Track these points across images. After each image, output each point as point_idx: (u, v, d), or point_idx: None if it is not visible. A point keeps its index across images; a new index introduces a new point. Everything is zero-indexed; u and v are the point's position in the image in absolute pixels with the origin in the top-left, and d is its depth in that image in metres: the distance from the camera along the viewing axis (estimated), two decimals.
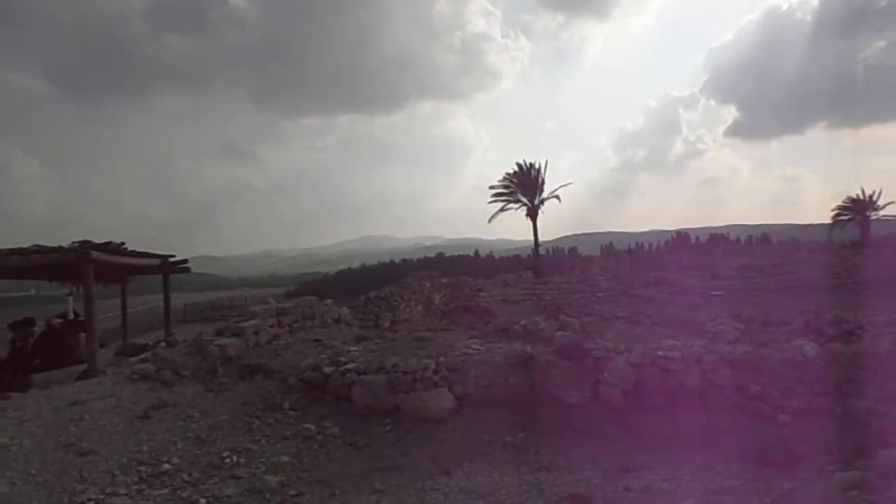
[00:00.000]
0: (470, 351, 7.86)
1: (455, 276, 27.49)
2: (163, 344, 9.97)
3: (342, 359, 7.87)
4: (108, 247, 8.45)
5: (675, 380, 6.64)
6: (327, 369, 7.59)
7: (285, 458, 6.08)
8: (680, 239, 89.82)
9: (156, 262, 11.42)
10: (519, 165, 42.78)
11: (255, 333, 8.96)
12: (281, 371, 8.07)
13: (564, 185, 43.49)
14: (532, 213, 42.09)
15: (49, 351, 10.01)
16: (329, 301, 12.45)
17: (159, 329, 17.86)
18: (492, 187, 43.28)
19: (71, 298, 15.49)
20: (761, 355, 6.85)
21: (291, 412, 7.21)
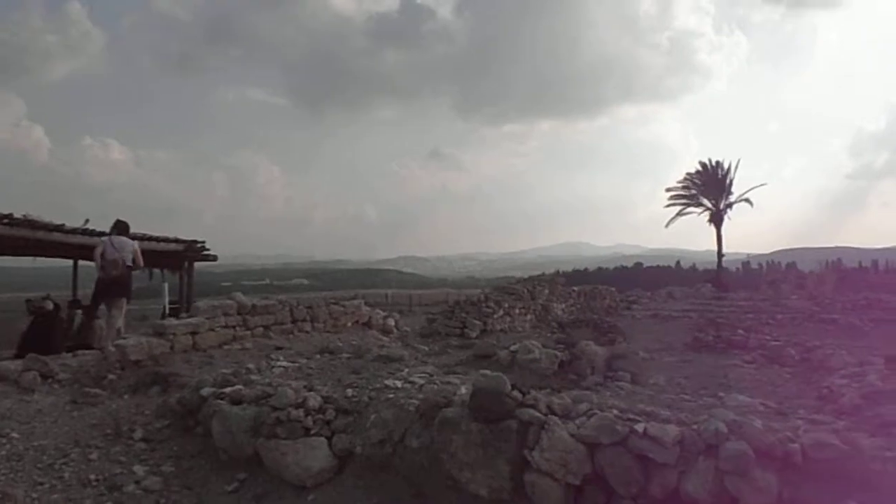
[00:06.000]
0: (396, 384, 5.35)
1: (604, 284, 24.11)
2: None
3: (234, 378, 5.83)
4: None
5: (663, 480, 3.59)
6: (205, 391, 5.60)
7: None
8: None
9: (179, 247, 10.34)
10: (703, 164, 37.38)
11: (193, 334, 7.26)
12: (186, 386, 6.26)
13: (757, 187, 37.24)
14: (716, 219, 36.45)
15: (38, 336, 9.33)
16: (357, 301, 10.46)
17: None
18: (668, 189, 38.34)
19: (166, 285, 15.32)
20: (859, 453, 3.52)
21: (141, 444, 5.33)
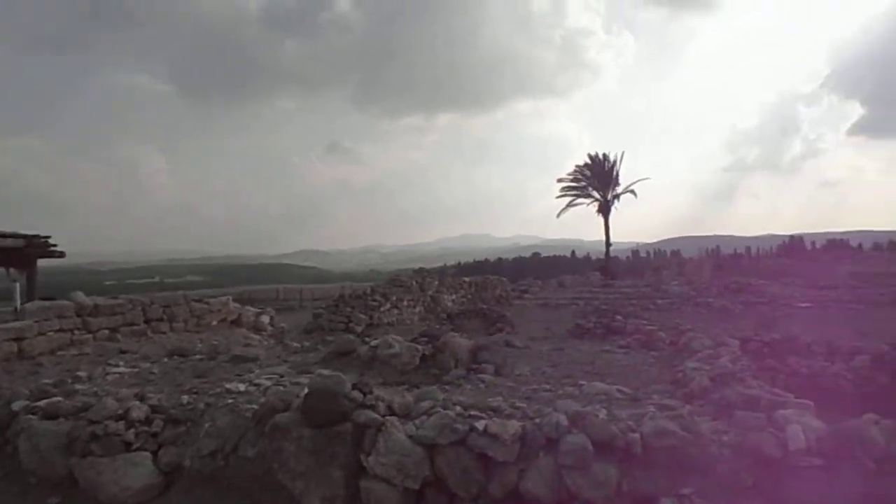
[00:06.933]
0: (239, 388, 4.91)
1: (488, 274, 24.30)
2: None
3: (55, 389, 5.17)
4: None
5: (503, 478, 3.39)
6: (17, 405, 4.90)
7: None
8: (792, 244, 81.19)
9: (18, 243, 9.23)
10: (591, 157, 38.64)
11: (18, 340, 6.44)
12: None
13: (641, 180, 38.97)
14: (604, 210, 37.82)
15: None
16: (224, 297, 9.80)
17: None
18: (560, 180, 39.37)
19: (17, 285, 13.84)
20: (698, 438, 3.46)
21: None
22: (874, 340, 8.73)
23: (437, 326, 15.20)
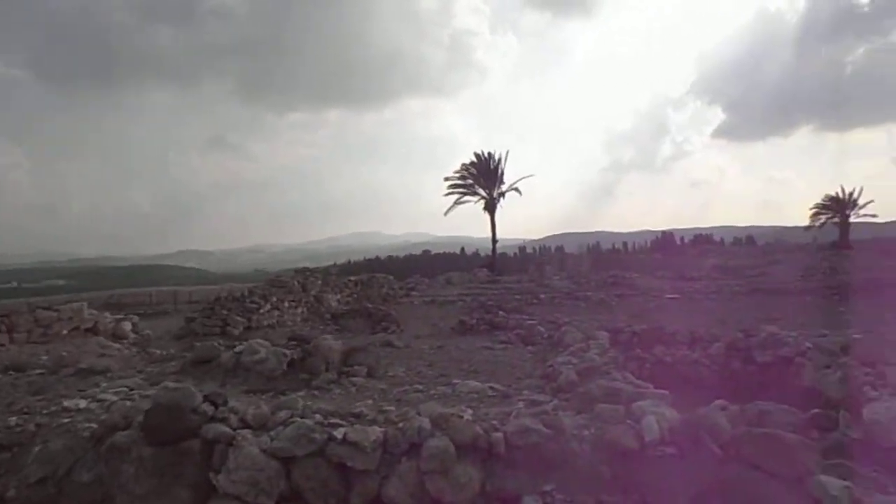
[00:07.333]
0: (79, 405, 4.43)
1: (374, 272, 24.06)
2: None
3: None
4: None
5: (364, 488, 3.22)
6: None
7: None
8: (664, 239, 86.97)
9: None
10: (477, 156, 39.26)
11: None
12: None
13: (526, 178, 39.99)
14: (490, 207, 38.57)
15: None
16: (77, 304, 8.95)
17: None
18: (447, 179, 39.71)
19: None
20: (560, 434, 3.46)
21: None
22: (731, 328, 9.37)
23: (321, 327, 14.79)
